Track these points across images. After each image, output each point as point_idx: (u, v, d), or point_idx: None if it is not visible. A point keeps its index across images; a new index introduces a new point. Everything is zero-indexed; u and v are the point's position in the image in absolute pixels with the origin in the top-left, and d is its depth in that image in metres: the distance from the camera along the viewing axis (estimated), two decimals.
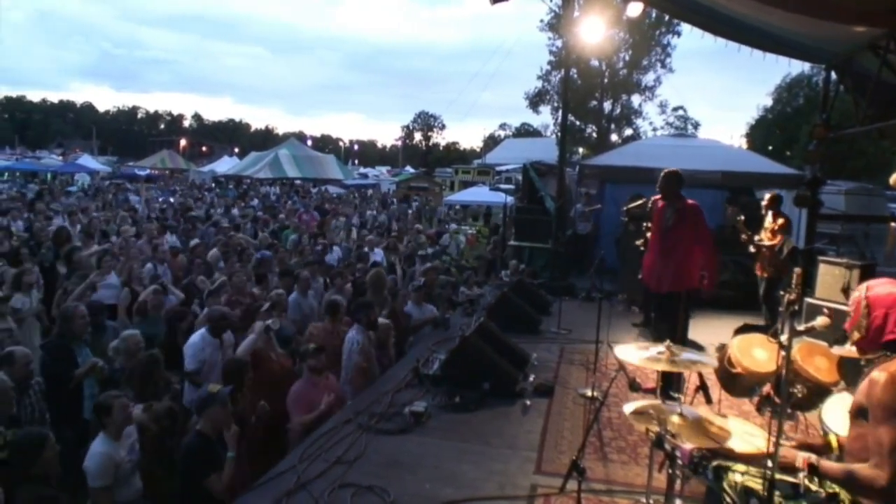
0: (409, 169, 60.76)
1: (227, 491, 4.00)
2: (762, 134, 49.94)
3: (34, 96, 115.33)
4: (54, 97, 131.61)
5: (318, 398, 5.29)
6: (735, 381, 4.82)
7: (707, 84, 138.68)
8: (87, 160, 43.32)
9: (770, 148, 41.40)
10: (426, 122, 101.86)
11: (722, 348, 5.36)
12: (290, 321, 7.17)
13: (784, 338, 2.83)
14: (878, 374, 2.47)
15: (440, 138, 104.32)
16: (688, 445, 2.92)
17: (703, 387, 5.02)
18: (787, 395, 3.52)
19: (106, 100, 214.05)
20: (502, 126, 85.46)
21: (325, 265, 9.95)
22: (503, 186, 23.99)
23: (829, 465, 2.57)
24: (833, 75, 9.20)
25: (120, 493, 4.08)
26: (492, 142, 73.23)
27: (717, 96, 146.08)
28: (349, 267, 10.21)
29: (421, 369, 5.98)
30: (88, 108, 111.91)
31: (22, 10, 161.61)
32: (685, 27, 10.06)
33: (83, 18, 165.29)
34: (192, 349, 5.82)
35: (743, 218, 8.43)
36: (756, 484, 2.61)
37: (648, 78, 37.28)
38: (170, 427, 4.72)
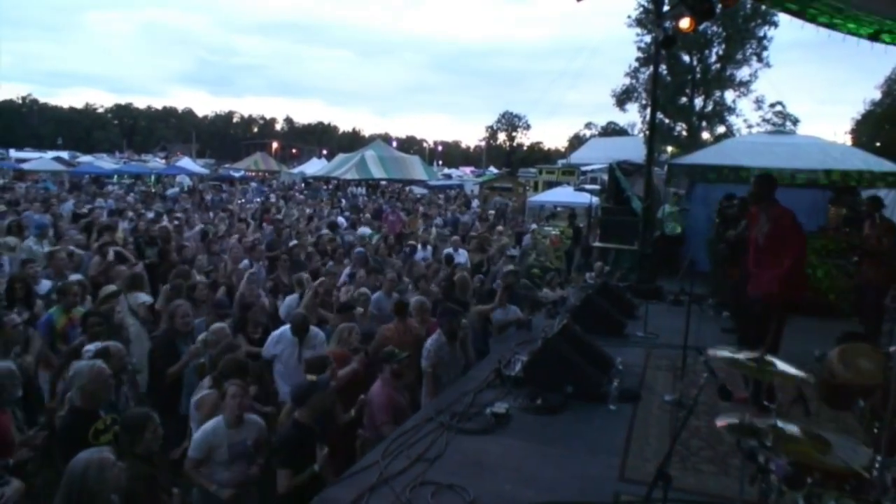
0: (493, 169, 60.76)
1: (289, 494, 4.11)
2: (870, 129, 46.90)
3: (140, 103, 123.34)
4: (158, 103, 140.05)
5: (401, 401, 5.39)
6: (837, 393, 4.54)
7: (808, 78, 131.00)
8: (187, 163, 45.81)
9: (878, 144, 38.80)
10: (510, 122, 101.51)
11: (822, 357, 5.07)
12: (372, 319, 7.35)
13: (894, 349, 2.66)
14: None
15: (524, 138, 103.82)
16: (783, 459, 2.78)
17: (801, 398, 4.76)
18: (894, 410, 3.29)
19: (204, 105, 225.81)
20: (588, 125, 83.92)
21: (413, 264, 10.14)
22: (588, 187, 23.62)
23: None
24: None
25: (219, 475, 4.30)
26: (577, 141, 72.34)
27: (818, 90, 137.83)
28: (430, 267, 10.31)
29: (503, 370, 5.97)
30: (189, 114, 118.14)
31: (128, 23, 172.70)
32: (783, 18, 9.55)
33: (182, 28, 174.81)
34: (271, 340, 6.23)
35: (848, 230, 7.96)
36: None
37: (743, 72, 35.88)
38: None
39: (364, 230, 15.00)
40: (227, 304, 7.22)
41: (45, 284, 7.57)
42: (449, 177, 50.41)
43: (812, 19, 7.75)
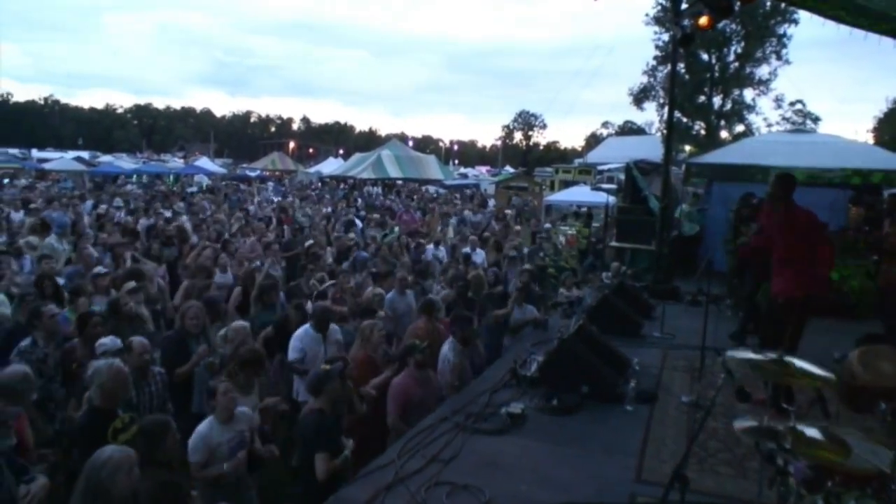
0: (509, 169, 60.62)
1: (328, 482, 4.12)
2: (892, 128, 46.22)
3: (159, 103, 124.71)
4: (177, 104, 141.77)
5: (417, 393, 5.39)
6: (857, 396, 4.47)
7: (828, 76, 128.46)
8: (205, 163, 46.28)
9: None
10: (527, 121, 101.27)
11: (842, 359, 5.00)
12: (386, 319, 7.36)
13: None
14: None
15: (541, 137, 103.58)
16: (802, 461, 2.75)
17: (820, 400, 4.70)
18: None
19: (222, 105, 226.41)
20: (605, 124, 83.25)
21: (422, 264, 10.14)
22: (605, 186, 23.48)
23: None
24: None
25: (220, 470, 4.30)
26: (593, 140, 71.93)
27: (839, 88, 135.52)
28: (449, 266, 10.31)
29: (518, 370, 5.95)
30: (207, 114, 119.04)
31: (146, 24, 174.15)
32: (803, 15, 9.40)
33: (199, 29, 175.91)
34: (294, 341, 6.18)
35: (868, 229, 7.85)
36: None
37: (762, 71, 35.41)
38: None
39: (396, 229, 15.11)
40: (219, 300, 7.24)
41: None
42: (465, 176, 50.38)
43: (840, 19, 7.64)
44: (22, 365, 4.57)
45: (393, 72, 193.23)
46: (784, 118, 36.53)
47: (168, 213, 15.38)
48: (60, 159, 40.75)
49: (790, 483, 2.83)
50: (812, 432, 2.83)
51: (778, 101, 36.24)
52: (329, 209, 20.66)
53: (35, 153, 51.39)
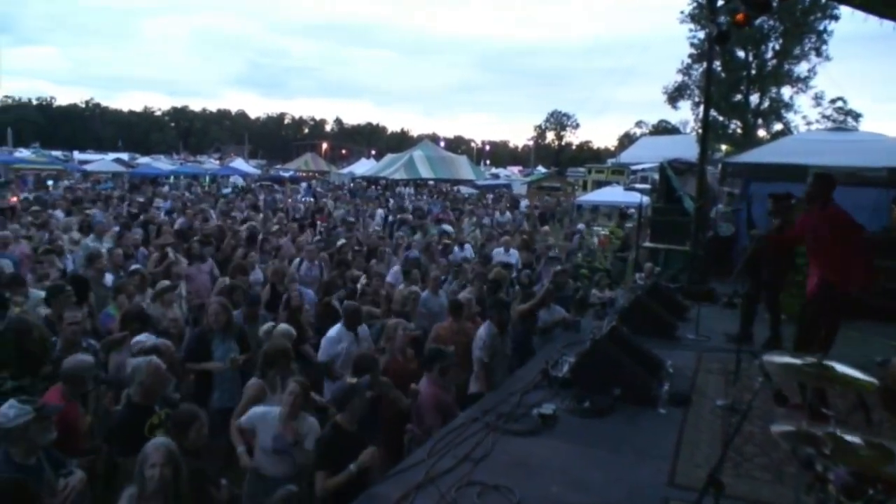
0: (541, 169, 60.37)
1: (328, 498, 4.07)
2: None
3: (195, 105, 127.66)
4: (213, 106, 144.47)
5: (446, 399, 5.40)
6: None
7: (871, 72, 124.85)
8: (240, 164, 47.13)
9: None
10: (559, 121, 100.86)
11: (885, 363, 4.87)
12: (419, 318, 7.38)
13: None
14: None
15: (573, 137, 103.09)
16: (842, 468, 2.68)
17: (862, 406, 4.58)
18: None
19: (256, 107, 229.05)
20: (638, 123, 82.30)
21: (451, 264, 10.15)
22: (638, 186, 23.24)
23: None
24: None
25: (271, 467, 4.34)
26: (627, 140, 71.26)
27: (883, 85, 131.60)
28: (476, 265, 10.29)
29: (550, 371, 5.91)
30: (242, 116, 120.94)
31: (183, 28, 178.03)
32: (844, 11, 9.18)
33: (234, 32, 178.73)
34: (326, 342, 6.16)
35: None
36: None
37: (801, 68, 34.55)
38: None
39: (446, 227, 15.16)
40: (259, 300, 7.28)
41: (108, 278, 7.93)
42: (497, 176, 50.30)
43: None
44: (88, 355, 4.70)
45: (424, 72, 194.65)
46: (824, 116, 35.62)
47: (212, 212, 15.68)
48: (101, 161, 41.92)
49: (829, 490, 2.76)
50: (853, 438, 2.76)
51: (817, 98, 35.38)
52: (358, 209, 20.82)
53: (77, 155, 52.79)
